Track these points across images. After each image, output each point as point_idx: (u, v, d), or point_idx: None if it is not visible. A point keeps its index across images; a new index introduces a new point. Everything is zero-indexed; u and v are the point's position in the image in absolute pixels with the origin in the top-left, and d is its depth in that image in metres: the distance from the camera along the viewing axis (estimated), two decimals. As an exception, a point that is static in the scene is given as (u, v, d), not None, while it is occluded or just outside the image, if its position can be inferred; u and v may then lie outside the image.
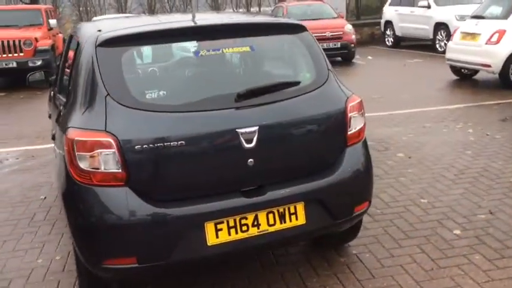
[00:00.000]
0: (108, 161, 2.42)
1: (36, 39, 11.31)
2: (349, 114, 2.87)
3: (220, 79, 2.84)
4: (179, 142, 2.46)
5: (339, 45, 12.71)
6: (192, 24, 2.83)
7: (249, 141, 2.56)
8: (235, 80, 2.78)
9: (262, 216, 2.64)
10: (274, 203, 2.64)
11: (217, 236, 2.56)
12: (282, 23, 3.05)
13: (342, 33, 12.79)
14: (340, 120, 2.84)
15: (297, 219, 2.71)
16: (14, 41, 11.03)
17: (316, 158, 2.81)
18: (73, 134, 2.47)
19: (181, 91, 2.71)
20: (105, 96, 2.49)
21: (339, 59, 13.47)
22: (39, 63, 10.95)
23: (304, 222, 2.72)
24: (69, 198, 2.54)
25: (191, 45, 2.83)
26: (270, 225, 2.66)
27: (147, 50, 2.83)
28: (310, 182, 2.75)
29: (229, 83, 2.74)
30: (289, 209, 2.69)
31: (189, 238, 2.51)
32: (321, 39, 12.58)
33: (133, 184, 2.45)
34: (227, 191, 2.60)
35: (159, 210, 2.46)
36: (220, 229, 2.56)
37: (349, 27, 13.11)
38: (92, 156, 2.42)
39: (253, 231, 2.62)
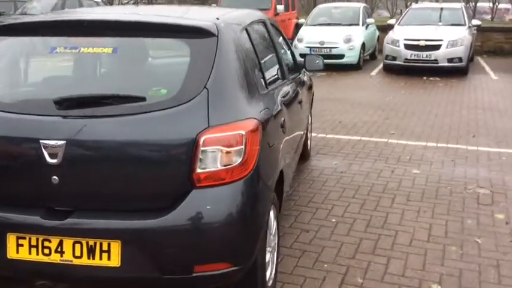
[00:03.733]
0: None
1: None
2: (202, 148, 2.22)
3: (57, 81, 2.53)
4: None
5: None
6: (53, 18, 2.57)
7: (54, 155, 2.24)
8: (73, 84, 2.42)
9: (67, 244, 2.30)
10: (77, 232, 2.28)
11: (17, 251, 2.35)
12: (174, 25, 2.47)
13: None
14: (184, 153, 2.23)
15: (109, 259, 2.28)
16: None
17: (143, 193, 2.28)
18: None
19: (9, 89, 2.52)
20: None
21: None
22: None
23: (118, 266, 2.27)
24: None
25: (52, 40, 2.56)
26: (75, 257, 2.30)
27: (20, 41, 2.69)
28: (131, 220, 2.26)
29: (63, 87, 2.41)
30: (101, 244, 2.28)
31: None
32: None
33: None
34: (31, 205, 2.36)
35: None
36: (22, 245, 2.34)
37: None
38: None
39: (56, 258, 2.32)
